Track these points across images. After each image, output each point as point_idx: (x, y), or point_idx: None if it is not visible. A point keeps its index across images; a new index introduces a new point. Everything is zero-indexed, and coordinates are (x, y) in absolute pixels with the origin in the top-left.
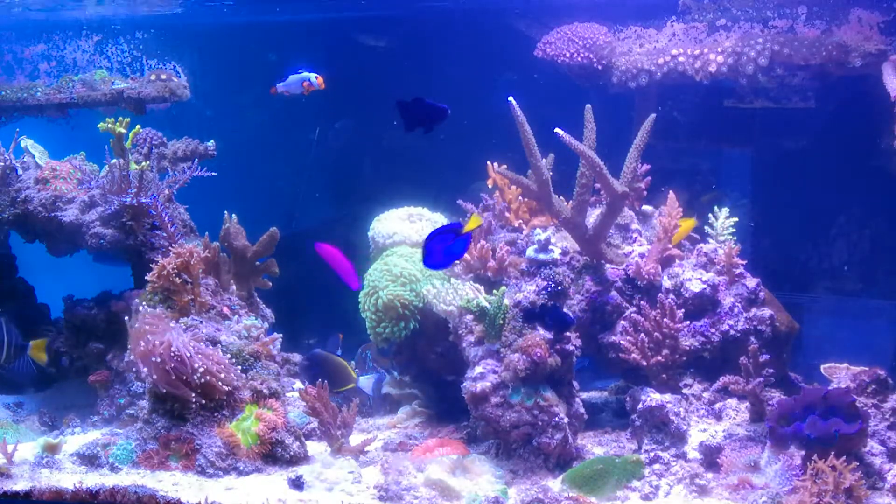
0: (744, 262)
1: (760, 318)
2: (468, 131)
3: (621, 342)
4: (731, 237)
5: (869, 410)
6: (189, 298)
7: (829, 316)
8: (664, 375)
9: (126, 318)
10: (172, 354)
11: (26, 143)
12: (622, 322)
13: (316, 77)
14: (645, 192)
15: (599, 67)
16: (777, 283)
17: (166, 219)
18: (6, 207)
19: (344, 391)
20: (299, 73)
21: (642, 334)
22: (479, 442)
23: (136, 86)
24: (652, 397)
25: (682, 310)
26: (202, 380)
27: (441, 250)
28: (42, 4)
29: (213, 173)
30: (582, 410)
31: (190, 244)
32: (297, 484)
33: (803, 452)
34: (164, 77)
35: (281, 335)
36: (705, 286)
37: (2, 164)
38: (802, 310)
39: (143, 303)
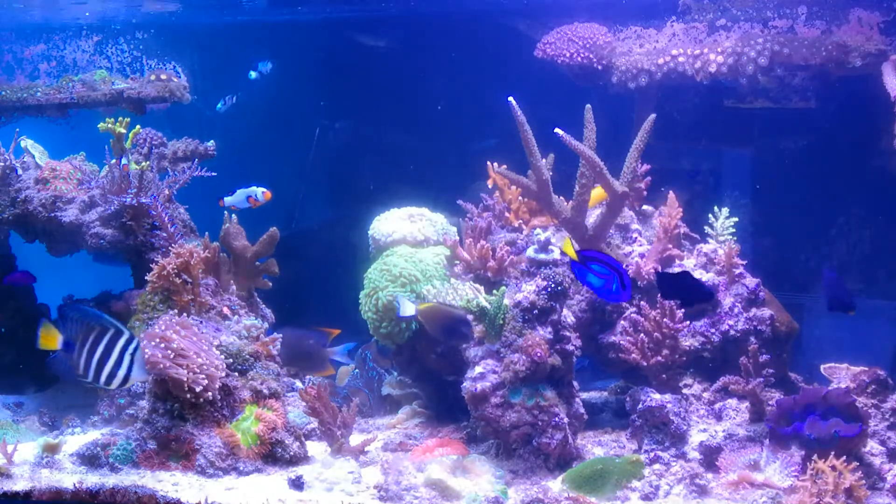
0: (744, 263)
1: (760, 318)
2: (468, 131)
3: (621, 342)
4: (731, 237)
5: (869, 410)
6: (189, 298)
7: (829, 316)
8: (664, 375)
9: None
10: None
11: (26, 143)
12: (622, 322)
13: (263, 193)
14: (645, 192)
15: (599, 67)
16: (777, 283)
17: (166, 219)
18: (6, 207)
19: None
20: (248, 187)
21: (642, 334)
22: (479, 442)
23: (136, 86)
24: (652, 397)
25: (682, 310)
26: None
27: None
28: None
29: (213, 173)
30: (582, 410)
31: (190, 244)
32: (297, 484)
33: (803, 452)
34: (164, 77)
35: (281, 335)
36: None
37: (2, 164)
38: (802, 310)
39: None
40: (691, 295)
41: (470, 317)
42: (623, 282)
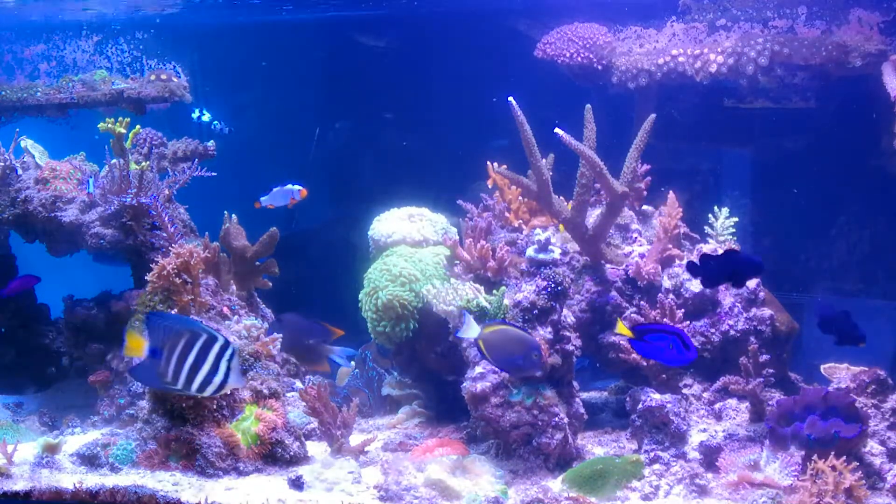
0: None
1: (760, 318)
2: (468, 131)
3: (621, 342)
4: (731, 237)
5: (869, 410)
6: (189, 298)
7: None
8: (664, 375)
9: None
10: None
11: (26, 143)
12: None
13: (299, 191)
14: (645, 192)
15: (599, 67)
16: (777, 283)
17: (166, 219)
18: (6, 207)
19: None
20: (283, 185)
21: None
22: (479, 442)
23: (136, 86)
24: (652, 397)
25: (682, 310)
26: None
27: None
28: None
29: (213, 173)
30: (582, 410)
31: (190, 244)
32: (297, 484)
33: (803, 452)
34: (164, 77)
35: (281, 335)
36: None
37: (2, 164)
38: (802, 310)
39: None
40: (744, 270)
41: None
42: (685, 342)
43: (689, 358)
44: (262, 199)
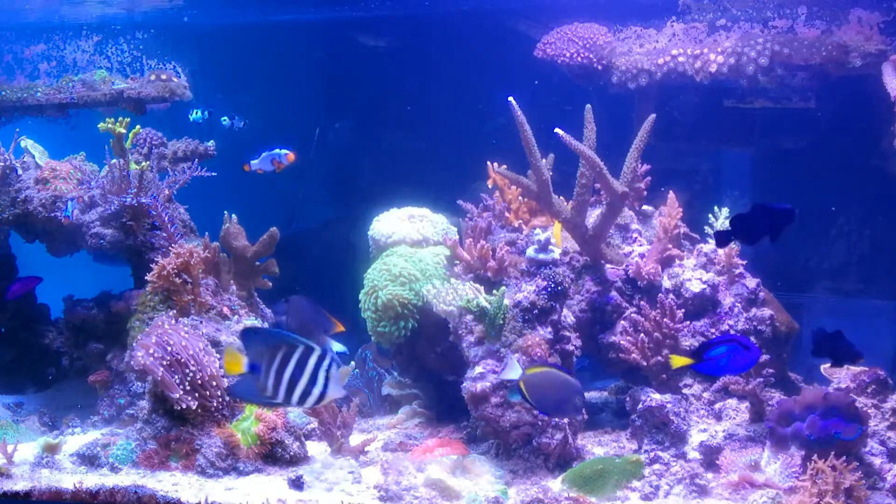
0: (744, 263)
1: (760, 318)
2: (468, 131)
3: (621, 342)
4: None
5: (869, 410)
6: (189, 298)
7: (829, 316)
8: (664, 375)
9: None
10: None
11: (26, 143)
12: (622, 322)
13: (286, 154)
14: (645, 192)
15: (599, 67)
16: (777, 283)
17: (166, 219)
18: (6, 207)
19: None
20: (272, 150)
21: (642, 334)
22: (479, 442)
23: (136, 86)
24: (652, 397)
25: (682, 310)
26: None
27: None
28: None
29: (213, 173)
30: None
31: (190, 244)
32: (297, 484)
33: (803, 452)
34: (164, 77)
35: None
36: (705, 286)
37: (2, 164)
38: (802, 310)
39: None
40: (779, 221)
41: (469, 317)
42: (745, 344)
43: (754, 358)
44: (252, 162)
